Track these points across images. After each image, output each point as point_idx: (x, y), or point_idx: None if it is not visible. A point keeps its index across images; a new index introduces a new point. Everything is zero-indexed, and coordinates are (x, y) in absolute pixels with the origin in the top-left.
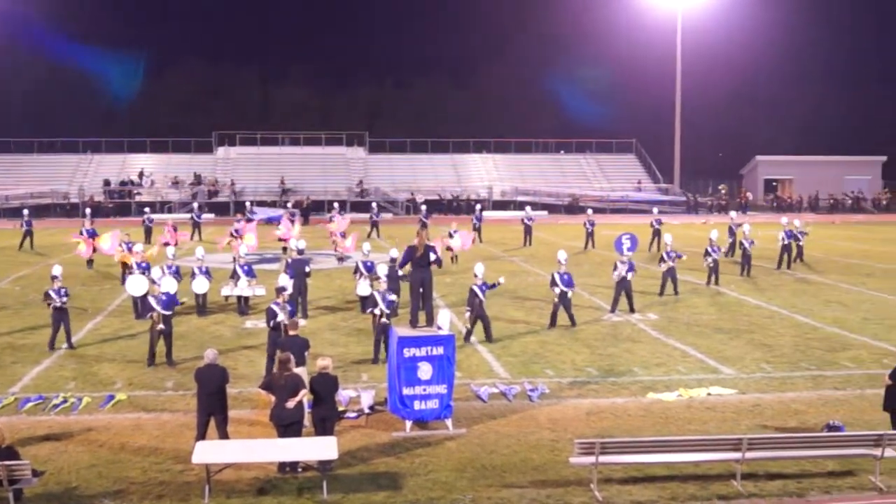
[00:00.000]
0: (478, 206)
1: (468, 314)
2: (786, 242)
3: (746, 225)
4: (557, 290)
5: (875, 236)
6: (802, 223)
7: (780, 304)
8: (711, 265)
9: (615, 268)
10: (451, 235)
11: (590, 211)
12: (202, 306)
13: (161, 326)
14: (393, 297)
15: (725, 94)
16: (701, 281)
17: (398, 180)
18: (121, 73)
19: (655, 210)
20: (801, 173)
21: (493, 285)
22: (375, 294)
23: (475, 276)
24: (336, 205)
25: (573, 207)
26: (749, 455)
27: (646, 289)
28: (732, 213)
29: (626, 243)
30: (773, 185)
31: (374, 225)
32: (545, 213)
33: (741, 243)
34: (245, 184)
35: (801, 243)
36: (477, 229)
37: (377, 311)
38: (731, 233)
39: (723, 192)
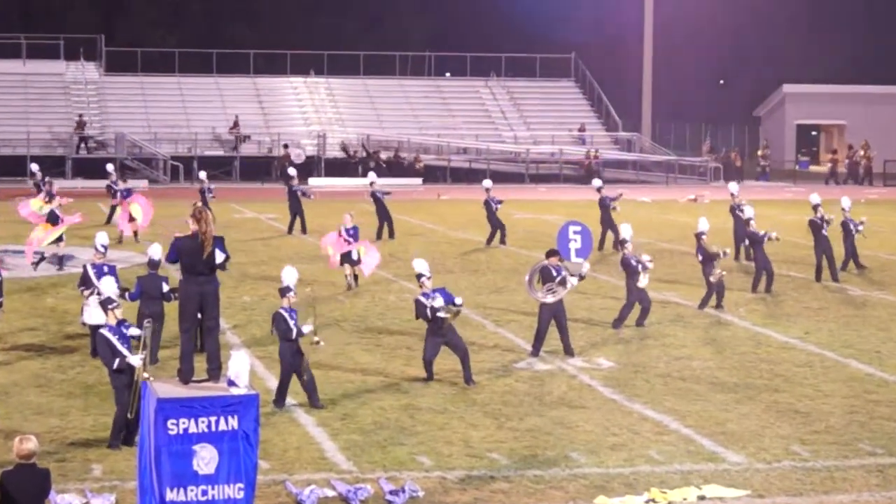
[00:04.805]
0: (292, 171)
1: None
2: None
3: (749, 207)
4: (438, 305)
5: None
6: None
7: (823, 342)
8: (719, 278)
9: (539, 278)
10: (349, 236)
11: (487, 182)
12: None
13: None
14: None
15: None
16: (689, 301)
17: (158, 120)
18: None
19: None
20: (859, 115)
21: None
22: (109, 337)
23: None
24: (37, 170)
25: (589, 175)
26: None
27: (593, 314)
28: (732, 187)
29: (574, 241)
30: (813, 134)
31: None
32: (418, 181)
33: (752, 237)
34: None
35: (860, 229)
36: (296, 213)
37: (126, 356)
38: (738, 220)
39: (764, 149)
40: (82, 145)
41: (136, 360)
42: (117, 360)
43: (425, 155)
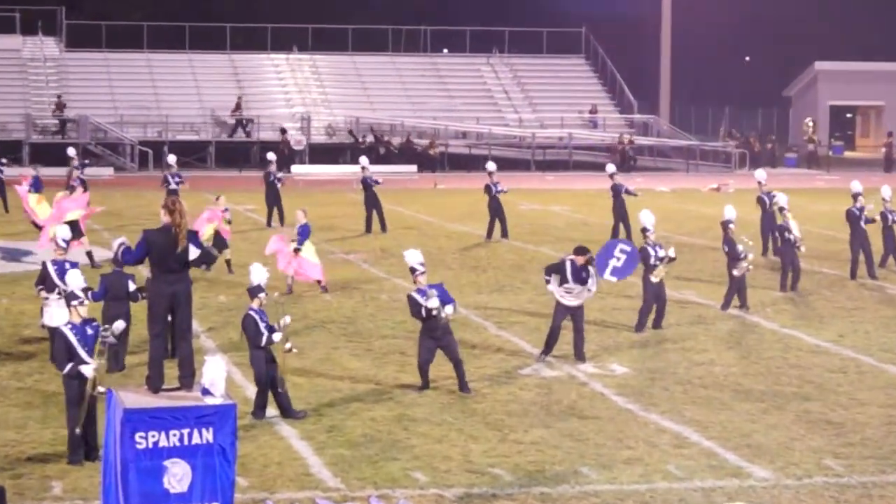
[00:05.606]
0: (271, 156)
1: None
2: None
3: (782, 195)
4: (433, 306)
5: None
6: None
7: (858, 346)
8: (743, 272)
9: (557, 282)
10: (299, 233)
11: (491, 165)
12: None
13: None
14: (115, 329)
15: None
16: (711, 301)
17: (125, 101)
18: None
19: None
20: None
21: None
22: (69, 336)
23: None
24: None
25: (625, 163)
26: None
27: (605, 315)
28: (760, 175)
29: (617, 259)
30: (847, 117)
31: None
32: (413, 168)
33: (782, 230)
34: None
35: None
36: (273, 204)
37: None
38: (766, 211)
39: (810, 128)
40: (60, 129)
41: (88, 369)
42: (69, 365)
43: (419, 140)
